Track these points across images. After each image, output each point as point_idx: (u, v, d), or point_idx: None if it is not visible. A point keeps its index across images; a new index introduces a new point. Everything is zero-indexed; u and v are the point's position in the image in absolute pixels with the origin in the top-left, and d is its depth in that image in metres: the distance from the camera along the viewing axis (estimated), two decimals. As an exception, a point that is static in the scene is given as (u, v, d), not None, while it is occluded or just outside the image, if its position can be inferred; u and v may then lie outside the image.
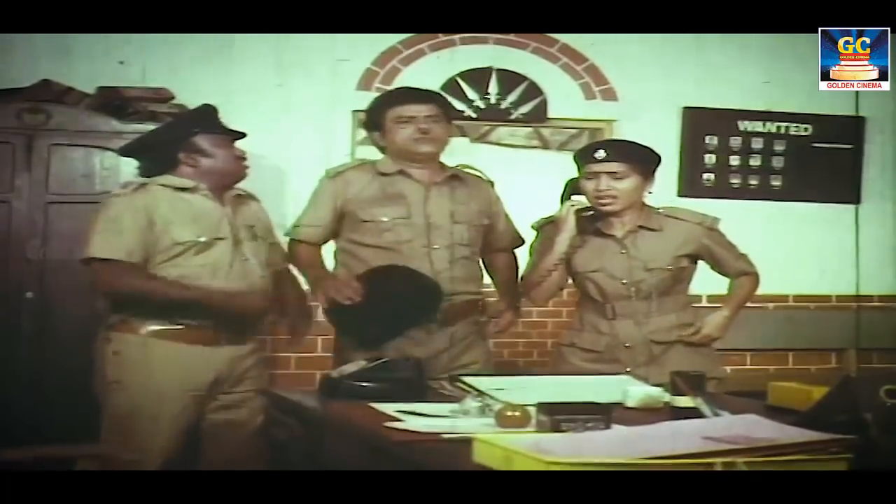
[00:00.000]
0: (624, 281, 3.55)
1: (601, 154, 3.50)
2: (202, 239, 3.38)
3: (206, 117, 3.56)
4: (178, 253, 3.36)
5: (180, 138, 3.49)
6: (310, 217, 3.64)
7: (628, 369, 3.43)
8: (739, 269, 3.68)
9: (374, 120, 3.67)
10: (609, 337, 3.55)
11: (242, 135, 3.59)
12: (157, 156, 3.51)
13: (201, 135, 3.48)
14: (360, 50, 5.44)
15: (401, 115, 3.59)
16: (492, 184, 3.81)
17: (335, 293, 3.45)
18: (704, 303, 4.03)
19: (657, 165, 3.65)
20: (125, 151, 3.68)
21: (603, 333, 3.56)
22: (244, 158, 3.56)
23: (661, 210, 3.65)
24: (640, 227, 3.57)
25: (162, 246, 3.36)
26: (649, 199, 3.63)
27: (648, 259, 3.55)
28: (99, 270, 3.37)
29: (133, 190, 3.43)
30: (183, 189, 3.43)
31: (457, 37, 5.58)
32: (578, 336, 3.62)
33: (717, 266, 3.67)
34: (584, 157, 3.55)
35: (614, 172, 3.49)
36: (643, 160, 3.58)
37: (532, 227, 3.78)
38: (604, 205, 3.51)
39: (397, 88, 4.06)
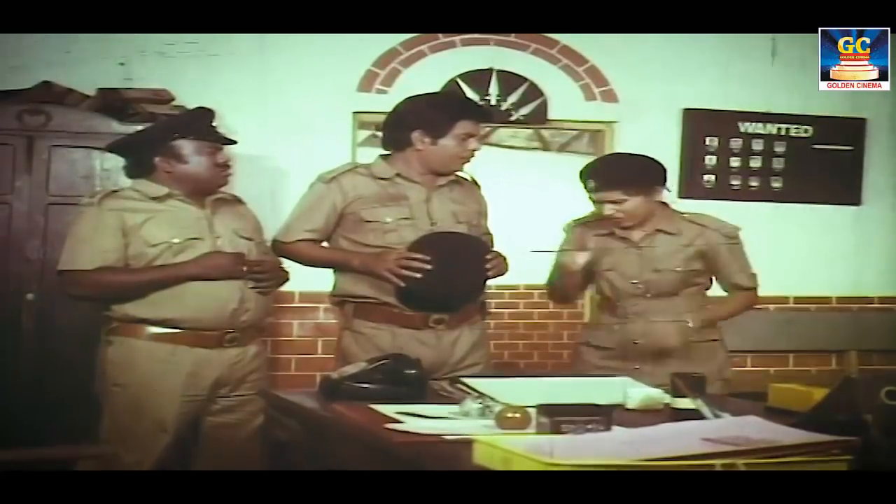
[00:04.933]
0: (634, 281, 3.64)
1: (591, 185, 3.63)
2: (175, 241, 3.39)
3: (195, 122, 3.55)
4: (154, 256, 3.37)
5: (159, 142, 3.48)
6: (306, 221, 3.57)
7: (637, 367, 3.48)
8: (735, 283, 3.72)
9: (433, 121, 3.53)
10: (620, 335, 3.66)
11: (229, 141, 3.58)
12: (137, 158, 3.52)
13: (183, 140, 3.46)
14: (360, 51, 5.44)
15: (467, 131, 3.51)
16: (479, 186, 3.78)
17: (403, 268, 3.40)
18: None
19: (660, 174, 3.72)
20: (110, 148, 3.69)
21: (615, 331, 3.68)
22: (227, 166, 3.54)
23: (685, 214, 3.71)
24: (658, 230, 3.65)
25: (135, 251, 3.37)
26: (680, 205, 3.80)
27: (659, 260, 3.64)
28: (69, 280, 3.42)
29: (101, 199, 3.44)
30: (155, 198, 3.43)
31: (457, 38, 5.57)
32: (593, 334, 3.77)
33: (718, 274, 3.71)
34: (582, 183, 3.68)
35: (615, 201, 3.61)
36: (636, 179, 3.65)
37: (563, 229, 3.88)
38: (620, 226, 3.66)
39: (465, 99, 4.00)
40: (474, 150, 3.56)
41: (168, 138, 3.48)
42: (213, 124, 3.57)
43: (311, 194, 3.61)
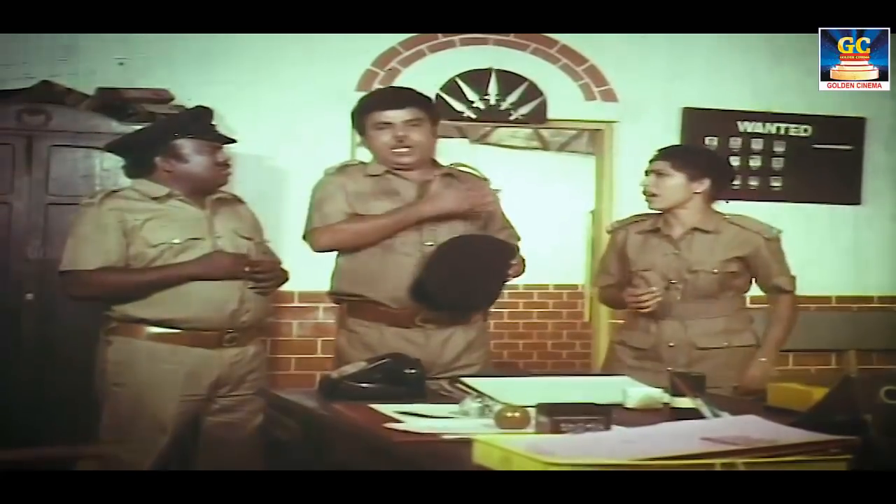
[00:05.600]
0: (673, 281, 3.64)
1: (653, 154, 3.77)
2: (176, 241, 3.39)
3: (194, 121, 3.55)
4: (155, 256, 3.37)
5: (159, 142, 3.48)
6: (329, 210, 3.51)
7: (670, 369, 3.49)
8: (776, 285, 3.74)
9: (357, 124, 3.60)
10: (655, 336, 3.68)
11: (229, 140, 3.58)
12: (137, 158, 3.52)
13: (183, 139, 3.46)
14: (359, 50, 5.44)
15: (378, 120, 3.50)
16: (487, 182, 3.74)
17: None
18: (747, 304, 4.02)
19: (715, 168, 3.80)
20: (109, 147, 3.69)
21: (650, 332, 3.70)
22: (227, 165, 3.54)
23: (726, 215, 3.75)
24: (696, 228, 3.66)
25: (136, 251, 3.37)
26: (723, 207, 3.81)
27: (696, 261, 3.66)
28: (70, 281, 3.41)
29: (102, 199, 3.43)
30: (156, 198, 3.43)
31: (456, 38, 5.58)
32: (629, 334, 3.79)
33: (758, 277, 3.74)
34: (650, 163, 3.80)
35: (659, 171, 3.69)
36: (688, 160, 3.73)
37: (607, 230, 3.98)
38: (648, 200, 3.73)
39: (378, 90, 4.00)
40: (399, 137, 3.48)
41: (168, 138, 3.48)
42: (212, 123, 3.58)
43: (320, 188, 3.60)
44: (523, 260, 3.58)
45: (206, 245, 3.43)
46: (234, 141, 3.62)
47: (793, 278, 3.76)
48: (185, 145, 3.47)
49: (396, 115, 3.50)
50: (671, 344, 3.64)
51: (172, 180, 3.46)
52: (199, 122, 3.53)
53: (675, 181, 3.67)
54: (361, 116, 3.56)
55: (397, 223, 3.45)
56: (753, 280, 3.78)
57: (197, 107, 3.65)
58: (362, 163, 3.67)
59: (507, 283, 3.56)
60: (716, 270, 3.65)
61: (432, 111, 3.62)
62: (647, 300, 3.59)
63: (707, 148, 3.75)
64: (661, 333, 3.67)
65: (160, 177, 3.47)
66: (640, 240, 3.77)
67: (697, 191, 3.69)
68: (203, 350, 3.39)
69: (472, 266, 3.44)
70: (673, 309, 3.66)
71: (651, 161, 3.75)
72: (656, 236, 3.73)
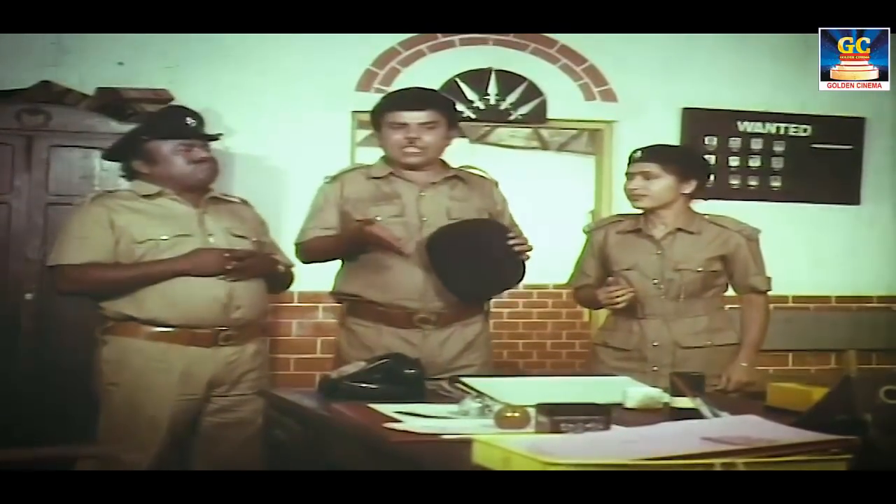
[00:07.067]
0: (655, 280, 3.65)
1: (637, 155, 3.71)
2: (163, 237, 3.39)
3: (161, 122, 3.57)
4: (142, 253, 3.38)
5: (132, 147, 3.51)
6: (317, 221, 3.60)
7: (655, 368, 3.49)
8: (752, 285, 3.72)
9: (374, 121, 3.65)
10: (638, 336, 3.65)
11: (201, 137, 3.54)
12: (123, 164, 3.56)
13: (153, 142, 3.47)
14: (359, 50, 5.44)
15: (394, 120, 3.55)
16: (495, 184, 3.76)
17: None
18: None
19: (701, 169, 3.79)
20: (105, 156, 3.75)
21: (633, 332, 3.67)
22: (203, 161, 3.50)
23: (705, 216, 3.75)
24: (679, 229, 3.67)
25: (123, 247, 3.38)
26: (699, 207, 3.78)
27: (680, 259, 3.65)
28: (57, 275, 3.43)
29: (93, 198, 3.47)
30: (147, 196, 3.45)
31: (456, 38, 5.57)
32: (611, 335, 3.75)
33: (734, 276, 3.72)
34: (628, 159, 3.75)
35: (647, 172, 3.65)
36: (677, 161, 3.71)
37: (583, 230, 3.92)
38: (634, 201, 3.70)
39: (400, 90, 4.01)
40: (411, 137, 3.52)
41: (139, 142, 3.49)
42: (187, 122, 3.53)
43: (318, 195, 3.66)
44: (525, 240, 3.53)
45: (195, 242, 3.42)
46: (211, 137, 3.59)
47: (768, 279, 3.76)
48: (159, 147, 3.47)
49: (413, 117, 3.54)
50: (655, 343, 3.62)
51: (158, 180, 3.47)
52: (167, 123, 3.54)
53: (665, 182, 3.65)
54: (380, 114, 3.60)
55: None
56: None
57: (166, 107, 3.65)
58: (367, 165, 3.68)
59: (521, 256, 3.51)
60: (700, 269, 3.65)
61: (451, 114, 3.68)
62: (620, 295, 3.58)
63: (691, 148, 3.71)
64: (644, 333, 3.65)
65: (147, 178, 3.49)
66: (620, 240, 3.75)
67: (685, 192, 3.69)
68: (197, 349, 3.39)
69: (469, 251, 3.45)
70: (656, 308, 3.65)
71: (634, 161, 3.70)
72: (638, 236, 3.72)
